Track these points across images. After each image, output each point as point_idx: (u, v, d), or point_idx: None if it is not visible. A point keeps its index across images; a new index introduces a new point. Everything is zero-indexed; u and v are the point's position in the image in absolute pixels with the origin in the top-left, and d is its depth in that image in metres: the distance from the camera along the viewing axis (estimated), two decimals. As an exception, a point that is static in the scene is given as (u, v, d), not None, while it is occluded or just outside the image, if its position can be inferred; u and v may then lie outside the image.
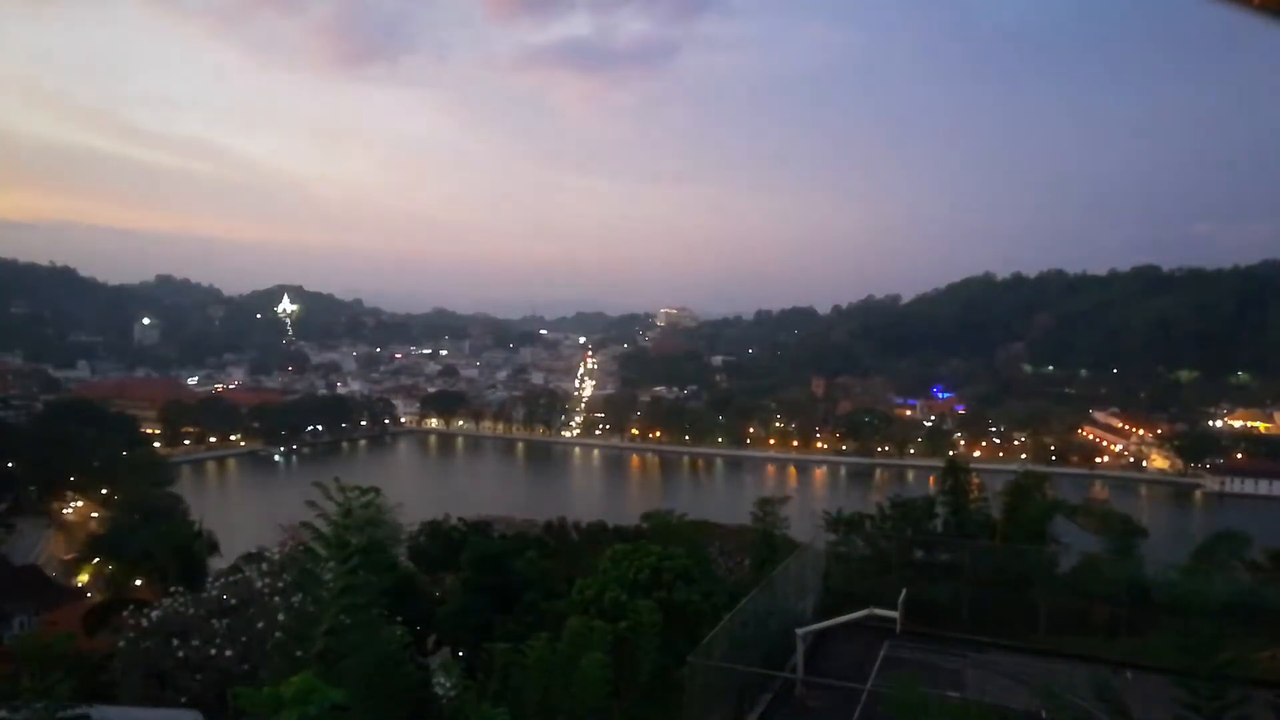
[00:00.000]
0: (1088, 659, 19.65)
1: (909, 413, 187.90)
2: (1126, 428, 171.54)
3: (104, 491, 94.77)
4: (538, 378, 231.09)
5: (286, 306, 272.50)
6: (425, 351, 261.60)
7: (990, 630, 22.52)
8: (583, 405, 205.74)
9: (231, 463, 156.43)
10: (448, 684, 22.64)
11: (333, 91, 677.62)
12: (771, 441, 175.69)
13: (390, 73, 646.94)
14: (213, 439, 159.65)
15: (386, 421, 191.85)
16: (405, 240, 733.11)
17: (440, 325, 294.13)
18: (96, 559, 66.15)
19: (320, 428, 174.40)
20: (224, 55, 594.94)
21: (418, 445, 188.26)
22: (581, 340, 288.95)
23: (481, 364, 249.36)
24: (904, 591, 20.56)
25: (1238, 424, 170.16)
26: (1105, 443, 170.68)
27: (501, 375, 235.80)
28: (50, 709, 13.54)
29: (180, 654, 22.99)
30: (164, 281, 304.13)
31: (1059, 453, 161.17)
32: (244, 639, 23.08)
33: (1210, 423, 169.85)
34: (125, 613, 26.38)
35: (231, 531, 62.65)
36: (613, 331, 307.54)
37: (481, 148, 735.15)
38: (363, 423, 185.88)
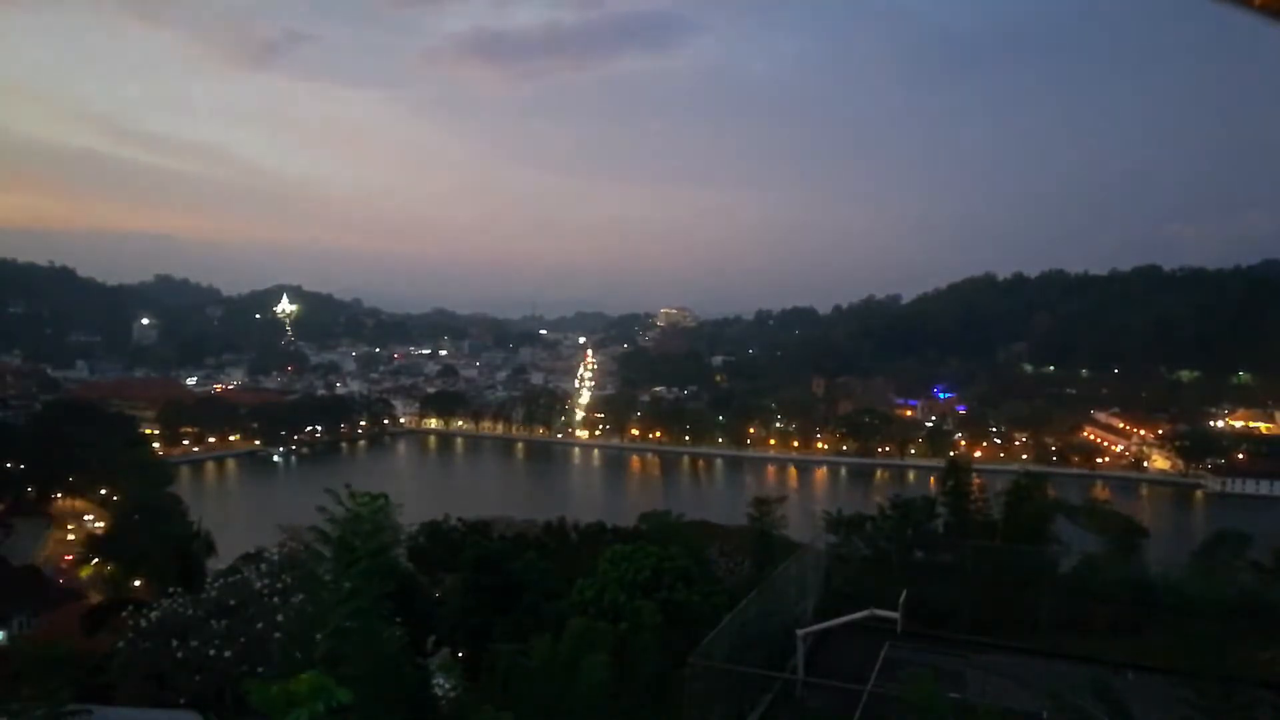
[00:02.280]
0: (1089, 660, 19.62)
1: (910, 413, 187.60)
2: (1127, 428, 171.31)
3: (103, 492, 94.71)
4: (537, 378, 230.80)
5: (285, 306, 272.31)
6: (424, 351, 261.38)
7: (991, 631, 22.50)
8: (582, 405, 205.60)
9: (230, 463, 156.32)
10: (447, 685, 22.58)
11: (322, 94, 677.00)
12: (772, 441, 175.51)
13: (374, 75, 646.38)
14: (211, 439, 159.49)
15: (385, 421, 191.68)
16: (404, 240, 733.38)
17: (439, 325, 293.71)
18: (95, 559, 66.18)
19: (319, 428, 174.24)
20: (209, 59, 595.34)
21: (417, 445, 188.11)
22: (581, 340, 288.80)
23: (481, 364, 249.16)
24: (904, 592, 20.51)
25: (1239, 424, 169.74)
26: (1106, 443, 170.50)
27: (501, 375, 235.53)
28: (53, 712, 13.48)
29: (179, 655, 22.94)
30: (163, 281, 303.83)
31: (1060, 453, 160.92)
32: (242, 639, 23.02)
33: (1211, 423, 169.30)
34: (124, 613, 26.36)
35: (230, 532, 62.64)
36: (613, 331, 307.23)
37: (477, 148, 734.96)
38: (362, 423, 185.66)
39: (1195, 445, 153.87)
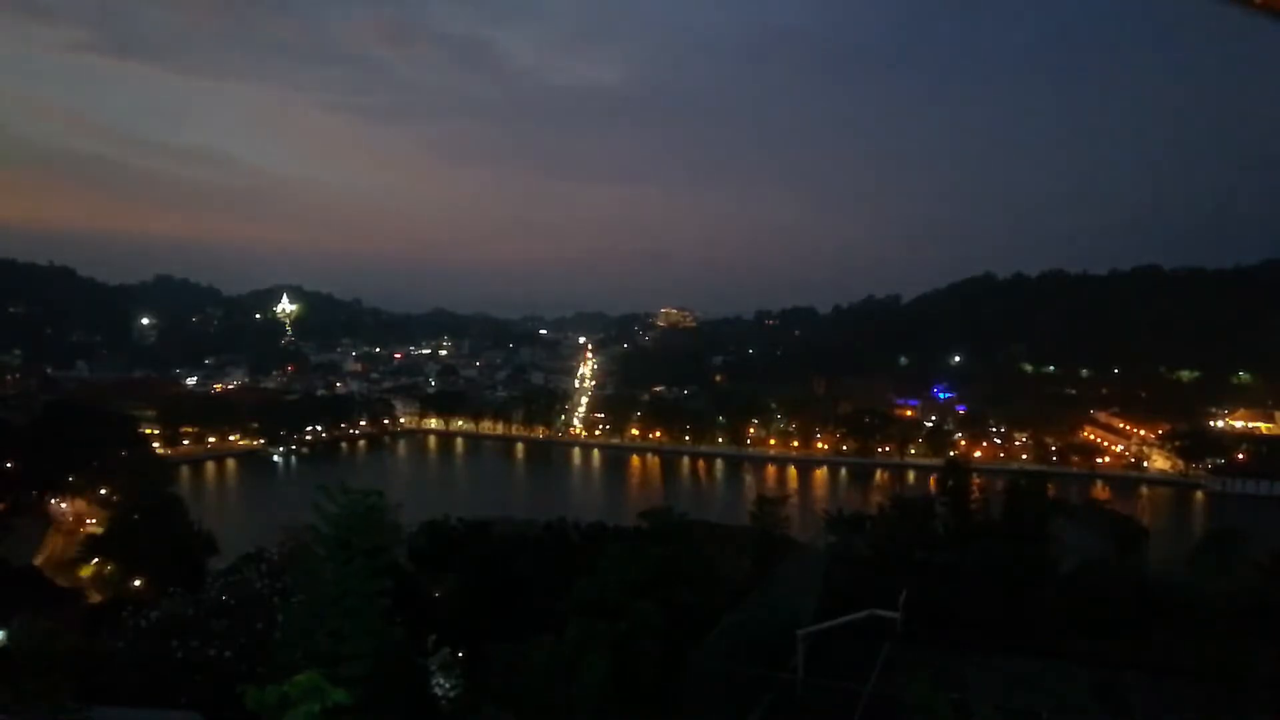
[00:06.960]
0: (1089, 660, 19.59)
1: (910, 413, 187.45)
2: (1128, 428, 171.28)
3: (103, 492, 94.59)
4: (537, 377, 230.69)
5: (285, 306, 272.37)
6: (425, 351, 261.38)
7: (992, 631, 22.45)
8: (583, 405, 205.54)
9: (230, 463, 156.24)
10: (447, 685, 22.58)
11: (321, 98, 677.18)
12: (772, 441, 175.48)
13: (369, 76, 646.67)
14: (211, 439, 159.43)
15: (386, 421, 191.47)
16: (404, 240, 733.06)
17: (440, 325, 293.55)
18: (96, 559, 66.16)
19: (319, 427, 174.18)
20: (208, 64, 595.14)
21: (417, 445, 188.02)
22: (581, 340, 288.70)
23: (481, 364, 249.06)
24: (905, 593, 20.51)
25: (1239, 424, 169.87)
26: (1106, 443, 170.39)
27: (501, 375, 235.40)
28: (52, 712, 13.46)
29: (179, 655, 22.94)
30: (163, 281, 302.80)
31: (1060, 453, 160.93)
32: (243, 640, 23.03)
33: (1211, 423, 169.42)
34: (124, 613, 26.35)
35: (230, 532, 62.70)
36: (613, 331, 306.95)
37: (473, 149, 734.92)
38: (362, 422, 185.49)
39: (1195, 445, 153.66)
